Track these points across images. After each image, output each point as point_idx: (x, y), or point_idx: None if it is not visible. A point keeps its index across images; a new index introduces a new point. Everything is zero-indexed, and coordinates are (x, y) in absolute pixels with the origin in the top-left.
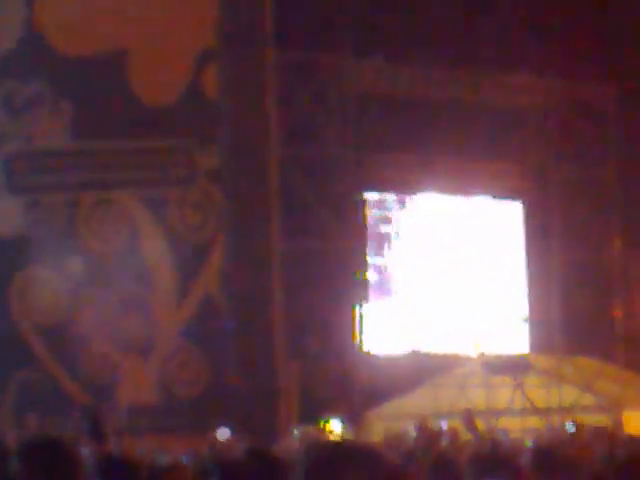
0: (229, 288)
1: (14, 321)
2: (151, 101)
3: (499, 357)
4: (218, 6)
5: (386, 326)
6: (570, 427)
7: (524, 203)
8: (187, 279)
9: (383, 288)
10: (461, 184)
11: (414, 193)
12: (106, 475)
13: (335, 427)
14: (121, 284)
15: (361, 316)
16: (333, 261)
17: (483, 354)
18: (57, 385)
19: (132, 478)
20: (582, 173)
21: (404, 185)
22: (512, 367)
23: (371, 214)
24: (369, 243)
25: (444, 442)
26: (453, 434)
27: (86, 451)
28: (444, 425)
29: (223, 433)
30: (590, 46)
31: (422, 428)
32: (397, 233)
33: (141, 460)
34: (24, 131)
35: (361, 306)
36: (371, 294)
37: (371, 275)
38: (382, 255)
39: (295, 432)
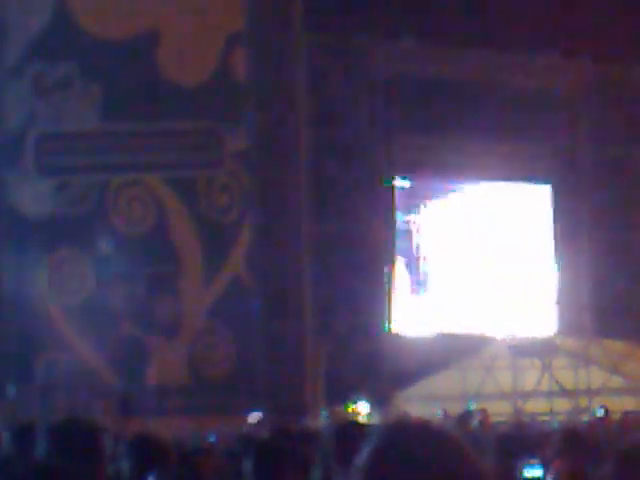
0: (257, 269)
1: (43, 302)
2: (180, 83)
3: (525, 339)
4: None
5: (414, 308)
6: (599, 411)
7: (554, 185)
8: (215, 260)
9: (412, 271)
10: (491, 166)
11: (444, 176)
12: (136, 455)
13: (362, 409)
14: (149, 265)
15: (389, 298)
16: (362, 244)
17: (510, 336)
18: (85, 366)
19: (162, 459)
20: (613, 155)
21: (434, 168)
22: (538, 349)
23: (401, 199)
24: (398, 226)
25: (473, 423)
26: (482, 415)
27: (114, 432)
28: (473, 406)
29: (255, 416)
30: (622, 27)
31: (447, 414)
32: (426, 217)
33: (170, 441)
34: (54, 113)
35: (389, 288)
36: (399, 277)
37: (399, 258)
38: (411, 238)
39: (323, 413)
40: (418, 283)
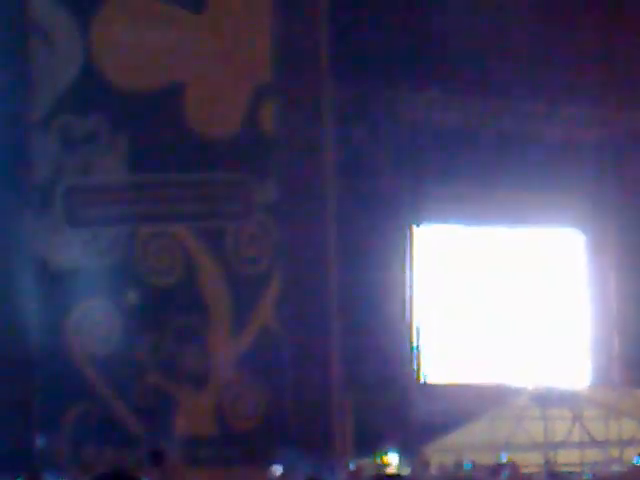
0: (285, 319)
1: (71, 353)
2: (207, 135)
3: (554, 390)
4: (273, 40)
5: (443, 357)
6: (637, 460)
7: (584, 233)
8: (244, 311)
9: (440, 318)
10: (517, 215)
11: (470, 225)
12: None
13: (391, 459)
14: (177, 316)
15: (417, 347)
16: (387, 291)
17: (539, 387)
18: (114, 417)
19: None
20: None
21: (460, 217)
22: (567, 400)
23: (426, 245)
24: (424, 273)
25: (504, 475)
26: (513, 467)
27: None
28: (504, 458)
29: (277, 469)
30: None
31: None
32: (455, 264)
33: None
34: (82, 165)
35: (417, 337)
36: (428, 325)
37: (427, 305)
38: (438, 285)
39: (351, 466)
40: (446, 331)
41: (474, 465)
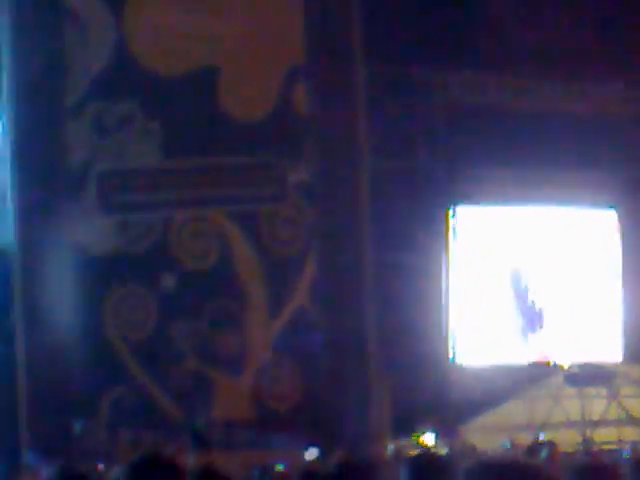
0: (321, 301)
1: (108, 338)
2: (241, 118)
3: (588, 367)
4: (306, 23)
5: (478, 337)
6: None
7: (619, 212)
8: (280, 293)
9: (475, 300)
10: (554, 195)
11: (505, 205)
12: None
13: (429, 440)
14: (213, 300)
15: (454, 328)
16: (424, 273)
17: (569, 365)
18: (151, 401)
19: None
20: None
21: (496, 198)
22: (601, 378)
23: (463, 228)
24: (459, 256)
25: (543, 454)
26: (552, 446)
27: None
28: (542, 437)
29: (312, 452)
30: None
31: (515, 443)
32: (490, 245)
33: (240, 475)
34: (115, 151)
35: (454, 318)
36: (465, 306)
37: (462, 287)
38: (472, 266)
39: (390, 446)
40: (481, 311)
41: (512, 444)
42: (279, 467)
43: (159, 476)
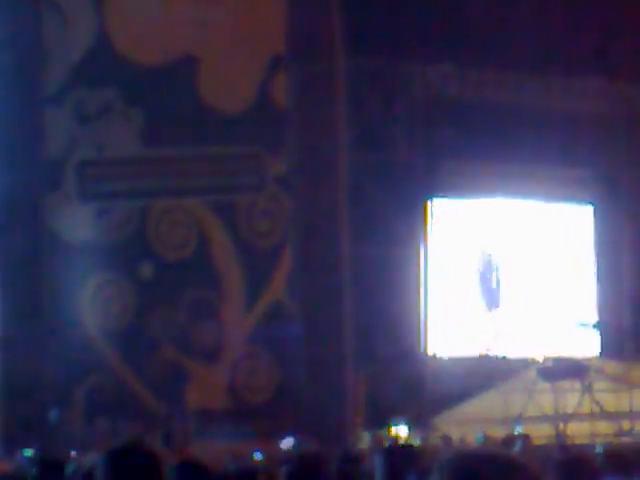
0: (298, 293)
1: (85, 326)
2: (220, 108)
3: (557, 362)
4: (287, 13)
5: (453, 329)
6: None
7: (594, 207)
8: (256, 285)
9: (450, 292)
10: (530, 190)
11: (483, 198)
12: (181, 478)
13: (403, 432)
14: (190, 290)
15: (429, 320)
16: (400, 266)
17: (547, 359)
18: (127, 390)
19: None
20: None
21: (473, 191)
22: (567, 372)
23: (438, 219)
24: (436, 247)
25: (516, 447)
26: (525, 438)
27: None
28: (517, 430)
29: (288, 442)
30: None
31: (489, 435)
32: (465, 237)
33: (214, 465)
34: (95, 139)
35: (427, 310)
36: (438, 298)
37: (438, 279)
38: (448, 259)
39: (367, 436)
40: (456, 303)
41: (486, 437)
42: (256, 456)
43: (137, 464)
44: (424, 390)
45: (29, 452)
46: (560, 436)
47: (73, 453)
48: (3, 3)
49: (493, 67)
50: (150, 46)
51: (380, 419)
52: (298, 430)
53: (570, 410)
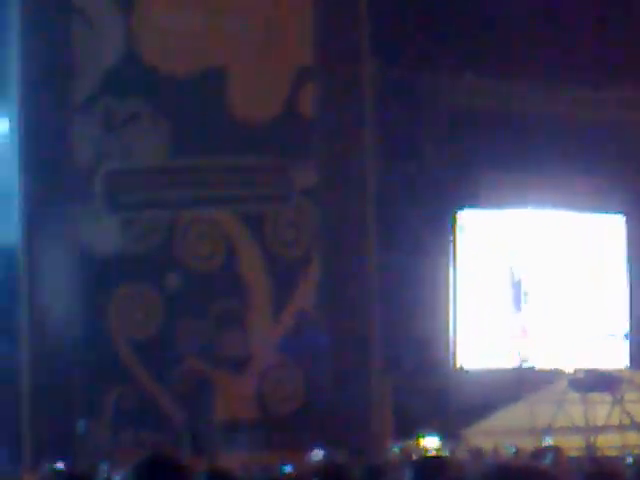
0: (325, 304)
1: (111, 338)
2: (248, 119)
3: (587, 373)
4: (315, 24)
5: (482, 341)
6: None
7: (626, 217)
8: (283, 295)
9: (479, 303)
10: (560, 200)
11: (512, 209)
12: None
13: (431, 443)
14: (217, 301)
15: (455, 331)
16: (428, 277)
17: (577, 370)
18: (153, 401)
19: None
20: None
21: (502, 202)
22: (599, 384)
23: (467, 230)
24: (464, 259)
25: (548, 459)
26: (557, 450)
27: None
28: (547, 441)
29: (316, 454)
30: None
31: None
32: (494, 248)
33: (242, 477)
34: (123, 149)
35: (455, 321)
36: (467, 309)
37: (466, 290)
38: (477, 270)
39: (395, 449)
40: (485, 315)
41: (517, 449)
42: (285, 469)
43: (165, 476)
44: (452, 401)
45: (56, 465)
46: (590, 448)
47: (102, 466)
48: (32, 14)
49: (522, 78)
50: (178, 56)
51: (408, 431)
52: (326, 441)
53: (600, 422)
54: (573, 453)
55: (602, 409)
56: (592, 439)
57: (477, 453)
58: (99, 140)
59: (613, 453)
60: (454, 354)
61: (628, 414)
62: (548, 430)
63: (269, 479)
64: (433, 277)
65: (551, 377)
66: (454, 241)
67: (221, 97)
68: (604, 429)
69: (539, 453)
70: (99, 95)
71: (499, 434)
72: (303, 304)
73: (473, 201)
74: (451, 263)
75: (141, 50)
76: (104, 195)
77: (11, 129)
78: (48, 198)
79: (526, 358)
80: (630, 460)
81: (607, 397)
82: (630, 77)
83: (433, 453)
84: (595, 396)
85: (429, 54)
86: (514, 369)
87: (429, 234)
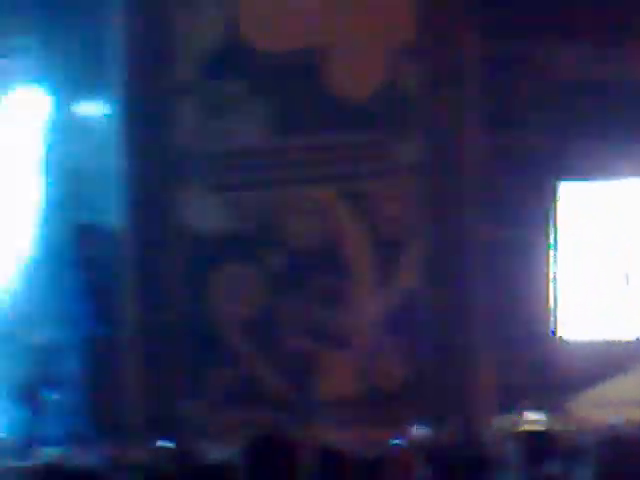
0: (428, 278)
1: (215, 319)
2: (349, 95)
3: None
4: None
5: (585, 312)
6: None
7: None
8: (386, 271)
9: (581, 274)
10: None
11: (613, 180)
12: (321, 466)
13: (535, 417)
14: (320, 278)
15: (558, 303)
16: (530, 249)
17: None
18: (257, 379)
19: (343, 469)
20: None
21: (603, 173)
22: None
23: (569, 201)
24: (563, 231)
25: None
26: None
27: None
28: None
29: (420, 429)
30: None
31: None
32: (595, 219)
33: (350, 453)
34: (224, 131)
35: (557, 293)
36: (569, 280)
37: (568, 261)
38: (579, 242)
39: (499, 422)
40: (583, 287)
41: (626, 421)
42: (393, 443)
43: (279, 455)
44: (556, 374)
45: (164, 444)
46: None
47: (207, 445)
48: None
49: (626, 47)
50: (278, 36)
51: (512, 404)
52: (430, 417)
53: None
54: None
55: None
56: None
57: (584, 425)
58: (200, 121)
59: None
60: (557, 325)
61: None
62: None
63: (378, 455)
64: (536, 249)
65: None
66: (555, 212)
67: (321, 75)
68: None
69: None
70: (200, 77)
71: (606, 406)
72: (407, 280)
73: (575, 172)
74: (553, 234)
75: (242, 31)
76: (207, 177)
77: (113, 113)
78: (151, 180)
79: (631, 329)
80: None
81: None
82: None
83: (538, 427)
84: None
85: (533, 26)
86: (620, 340)
87: (531, 206)
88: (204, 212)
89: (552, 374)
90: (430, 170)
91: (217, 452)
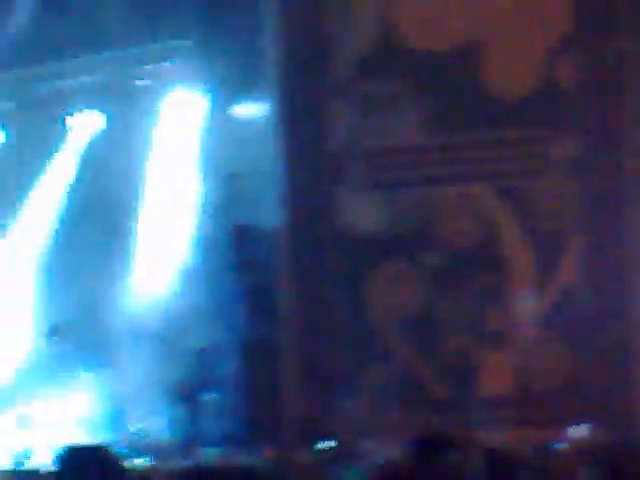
0: (589, 276)
1: (374, 318)
2: (506, 92)
3: None
4: None
5: None
6: None
7: None
8: (546, 269)
9: None
10: None
11: None
12: (487, 467)
13: None
14: (478, 276)
15: None
16: None
17: None
18: (416, 378)
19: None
20: None
21: None
22: None
23: None
24: None
25: None
26: None
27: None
28: None
29: (580, 430)
30: None
31: None
32: None
33: (516, 454)
34: (380, 129)
35: None
36: None
37: None
38: None
39: None
40: None
41: None
42: (558, 446)
43: (444, 454)
44: None
45: (326, 444)
46: None
47: (366, 443)
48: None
49: None
50: (434, 34)
51: None
52: (588, 417)
53: None
54: None
55: None
56: None
57: None
58: (356, 121)
59: None
60: None
61: None
62: None
63: (544, 456)
64: None
65: None
66: None
67: (477, 72)
68: None
69: None
70: (355, 76)
71: None
72: (567, 277)
73: None
74: None
75: (398, 30)
76: (363, 175)
77: (270, 114)
78: (309, 181)
79: None
80: None
81: None
82: None
83: None
84: None
85: None
86: None
87: None
88: (362, 211)
89: None
90: (591, 167)
91: (379, 451)
